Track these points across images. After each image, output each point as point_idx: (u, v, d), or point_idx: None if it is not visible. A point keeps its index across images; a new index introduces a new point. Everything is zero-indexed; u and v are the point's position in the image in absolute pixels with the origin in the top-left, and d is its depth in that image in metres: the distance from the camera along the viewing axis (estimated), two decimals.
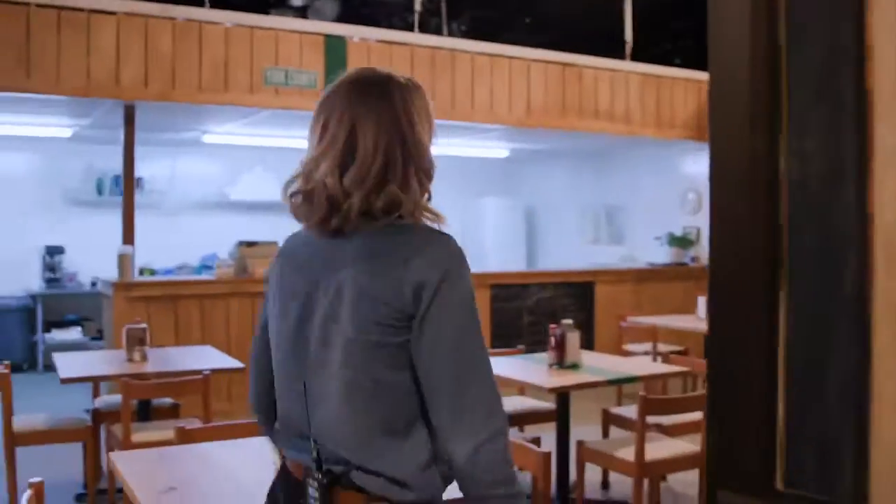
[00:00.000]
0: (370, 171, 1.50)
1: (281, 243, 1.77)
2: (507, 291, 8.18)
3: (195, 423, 4.43)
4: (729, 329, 1.01)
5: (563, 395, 4.32)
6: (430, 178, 1.59)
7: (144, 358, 4.66)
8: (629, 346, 7.18)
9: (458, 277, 1.49)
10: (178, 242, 9.74)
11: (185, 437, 3.11)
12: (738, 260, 0.98)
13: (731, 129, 0.99)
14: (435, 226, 1.56)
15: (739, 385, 1.01)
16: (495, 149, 10.29)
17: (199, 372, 4.29)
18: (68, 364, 4.63)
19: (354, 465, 1.52)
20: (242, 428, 3.21)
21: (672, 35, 12.35)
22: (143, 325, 4.74)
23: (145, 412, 4.75)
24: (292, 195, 1.59)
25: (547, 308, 8.27)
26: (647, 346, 6.94)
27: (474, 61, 7.88)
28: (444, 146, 9.54)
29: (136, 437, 4.27)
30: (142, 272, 9.31)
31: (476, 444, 1.44)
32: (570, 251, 10.97)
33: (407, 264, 1.46)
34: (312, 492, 1.54)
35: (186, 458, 2.84)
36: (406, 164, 1.53)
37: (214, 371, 4.45)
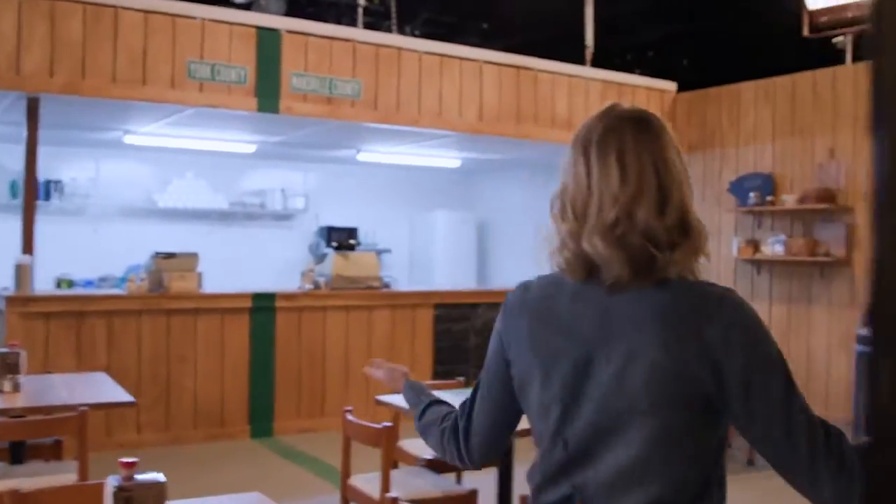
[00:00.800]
0: (680, 212, 1.47)
1: (516, 293, 1.68)
2: (453, 311, 7.56)
3: (69, 473, 3.74)
4: None
5: None
6: None
7: (16, 388, 3.94)
8: None
9: (760, 338, 1.42)
10: (102, 251, 8.99)
11: None
12: None
13: None
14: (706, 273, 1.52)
15: None
16: (446, 158, 9.62)
17: (74, 408, 3.59)
18: None
19: None
20: (96, 491, 2.54)
21: (634, 46, 11.93)
22: (18, 350, 4.02)
23: (18, 453, 4.04)
24: (605, 244, 1.45)
25: None
26: None
27: (422, 61, 7.26)
28: (390, 154, 8.80)
29: None
30: (59, 284, 8.59)
31: (838, 484, 1.35)
32: (525, 269, 10.27)
33: (701, 335, 1.39)
34: None
35: None
36: (690, 203, 1.52)
37: (96, 406, 3.76)
